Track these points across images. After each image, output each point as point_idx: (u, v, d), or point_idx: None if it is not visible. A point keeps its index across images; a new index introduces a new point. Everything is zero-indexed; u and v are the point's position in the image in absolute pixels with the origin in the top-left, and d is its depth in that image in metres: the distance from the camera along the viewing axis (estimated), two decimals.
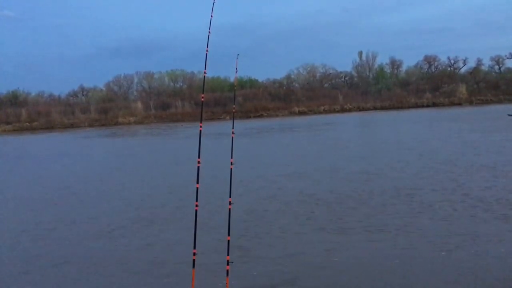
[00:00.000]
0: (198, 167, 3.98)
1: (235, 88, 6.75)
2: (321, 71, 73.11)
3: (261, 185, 10.78)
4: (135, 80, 74.22)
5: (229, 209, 4.40)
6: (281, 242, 6.42)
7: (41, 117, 57.50)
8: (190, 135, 30.55)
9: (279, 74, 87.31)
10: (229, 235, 4.36)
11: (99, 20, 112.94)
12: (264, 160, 15.85)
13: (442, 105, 54.02)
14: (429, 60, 70.66)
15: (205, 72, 4.38)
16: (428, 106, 54.51)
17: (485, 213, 7.16)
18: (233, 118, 6.74)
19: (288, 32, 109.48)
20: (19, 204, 10.64)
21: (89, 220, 8.46)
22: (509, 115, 27.60)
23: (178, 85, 73.29)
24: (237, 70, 5.14)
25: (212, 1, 4.35)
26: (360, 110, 55.26)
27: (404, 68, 73.28)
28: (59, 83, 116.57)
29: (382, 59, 74.38)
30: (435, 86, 60.59)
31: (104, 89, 73.88)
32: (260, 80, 71.61)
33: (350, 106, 56.76)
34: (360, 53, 71.12)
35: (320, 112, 55.14)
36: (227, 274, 4.34)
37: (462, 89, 57.12)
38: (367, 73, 71.33)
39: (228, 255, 4.33)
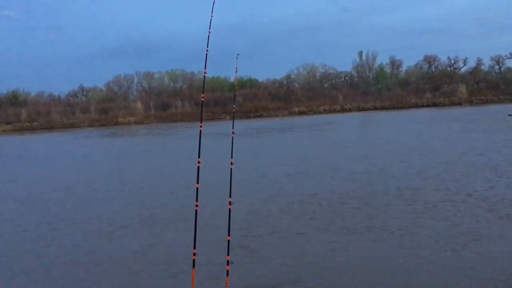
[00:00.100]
0: (198, 167, 3.96)
1: (235, 88, 6.75)
2: (321, 71, 73.01)
3: (263, 185, 10.75)
4: (135, 80, 74.16)
5: (229, 209, 4.38)
6: (284, 242, 6.39)
7: (41, 117, 57.39)
8: (190, 135, 30.50)
9: (279, 74, 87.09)
10: (229, 235, 4.34)
11: (99, 20, 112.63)
12: (265, 160, 15.82)
13: (442, 105, 53.96)
14: (429, 60, 70.53)
15: (205, 72, 4.38)
16: (428, 106, 54.43)
17: (489, 213, 7.13)
18: (233, 118, 6.73)
19: (288, 32, 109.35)
20: (19, 204, 10.60)
21: (90, 220, 8.43)
22: (509, 115, 27.54)
23: (178, 85, 73.19)
24: (237, 70, 5.14)
25: (212, 1, 4.35)
26: (360, 110, 55.17)
27: (404, 68, 73.20)
28: (59, 83, 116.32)
29: (382, 59, 74.31)
30: (435, 86, 60.51)
31: (104, 89, 73.80)
32: (260, 80, 71.52)
33: (350, 106, 56.66)
34: (360, 53, 71.07)
35: (320, 112, 55.06)
36: (227, 274, 4.32)
37: (462, 89, 57.03)
38: (367, 73, 71.20)
39: (228, 255, 4.31)
